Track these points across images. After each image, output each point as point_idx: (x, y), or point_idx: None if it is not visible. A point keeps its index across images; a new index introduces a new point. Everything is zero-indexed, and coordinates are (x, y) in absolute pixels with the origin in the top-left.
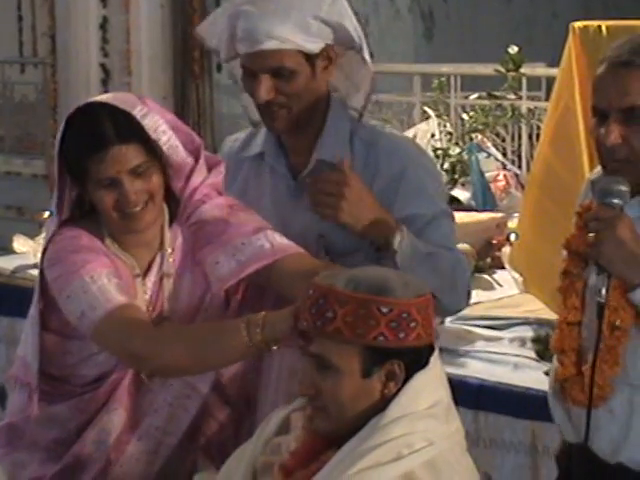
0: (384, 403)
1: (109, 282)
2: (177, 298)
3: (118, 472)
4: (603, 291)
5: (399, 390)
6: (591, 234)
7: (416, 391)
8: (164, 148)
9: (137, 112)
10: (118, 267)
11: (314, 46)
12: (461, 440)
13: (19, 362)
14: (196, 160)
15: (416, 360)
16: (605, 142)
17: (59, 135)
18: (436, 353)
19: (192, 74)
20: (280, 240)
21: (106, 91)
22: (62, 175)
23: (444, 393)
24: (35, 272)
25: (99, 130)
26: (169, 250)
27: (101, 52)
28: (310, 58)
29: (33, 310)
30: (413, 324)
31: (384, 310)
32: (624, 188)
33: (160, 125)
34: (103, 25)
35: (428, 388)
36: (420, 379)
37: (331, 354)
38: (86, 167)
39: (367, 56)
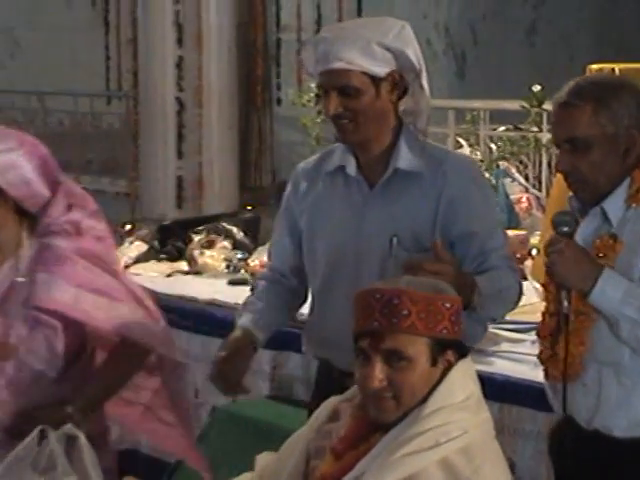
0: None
1: None
2: None
3: None
4: (565, 304)
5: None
6: (547, 260)
7: (451, 386)
8: (2, 183)
9: None
10: None
11: (379, 70)
12: (490, 429)
13: None
14: (53, 194)
15: (462, 351)
16: (559, 169)
17: None
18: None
19: (255, 106)
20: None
21: (180, 121)
22: None
23: (475, 388)
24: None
25: None
26: (22, 253)
27: (177, 87)
28: (375, 80)
29: None
30: (461, 319)
31: (447, 305)
32: (568, 218)
33: (13, 163)
34: (179, 64)
35: (462, 383)
36: (455, 376)
37: (406, 347)
38: None
39: (424, 82)
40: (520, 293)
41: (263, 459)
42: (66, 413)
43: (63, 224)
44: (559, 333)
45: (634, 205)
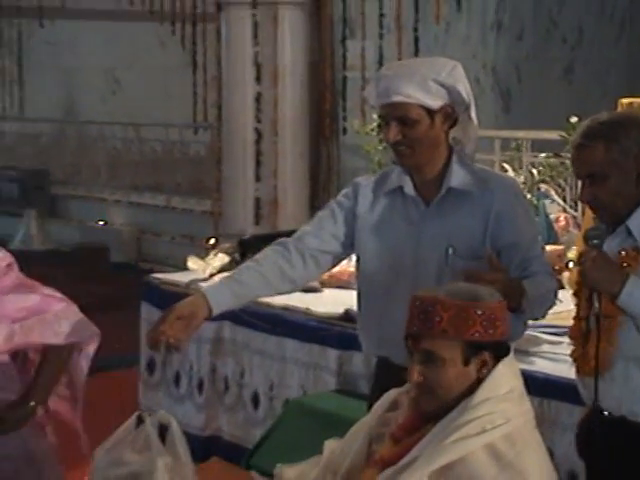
0: (475, 385)
1: None
2: None
3: None
4: (596, 304)
5: (484, 378)
6: (580, 267)
7: (496, 380)
8: None
9: None
10: None
11: (434, 103)
12: (531, 419)
13: None
14: None
15: (500, 351)
16: (582, 200)
17: None
18: (512, 352)
19: (324, 136)
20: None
21: (258, 149)
22: None
23: (518, 382)
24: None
25: None
26: None
27: (255, 119)
28: (430, 112)
29: None
30: (498, 322)
31: (479, 312)
32: (598, 232)
33: None
34: (257, 98)
35: (506, 378)
36: (500, 371)
37: (439, 349)
38: None
39: (473, 114)
40: (557, 293)
41: (330, 444)
42: (30, 408)
43: None
44: (588, 334)
45: None
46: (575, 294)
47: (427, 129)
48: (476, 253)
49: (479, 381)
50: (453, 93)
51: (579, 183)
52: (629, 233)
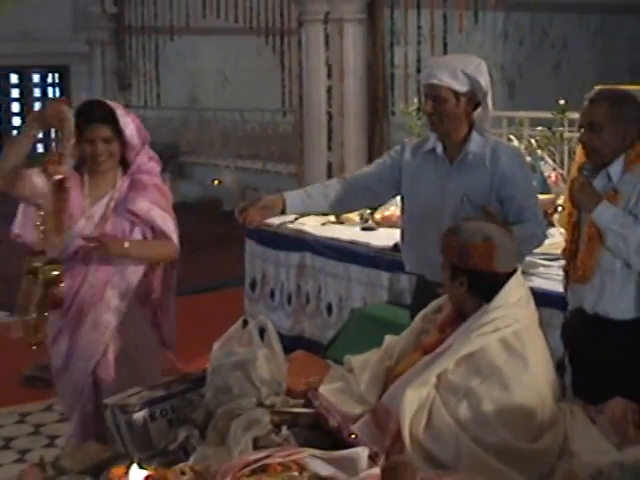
0: (471, 298)
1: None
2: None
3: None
4: (581, 217)
5: (495, 293)
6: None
7: (508, 291)
8: (126, 132)
9: (118, 111)
10: (75, 193)
11: (460, 88)
12: (535, 320)
13: None
14: (142, 145)
15: (477, 279)
16: (580, 140)
17: (75, 115)
18: (519, 271)
19: (377, 117)
20: (154, 213)
21: (330, 127)
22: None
23: (525, 292)
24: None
25: (92, 113)
26: (117, 187)
27: (327, 105)
28: (457, 94)
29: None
30: (470, 255)
31: (454, 244)
32: (589, 167)
33: (127, 122)
34: (329, 90)
35: (515, 289)
36: (510, 285)
37: (443, 264)
38: (81, 130)
39: (489, 101)
40: (543, 237)
41: (389, 338)
42: (125, 247)
43: (147, 168)
44: (576, 252)
45: (629, 170)
46: (568, 216)
47: (453, 107)
48: (483, 202)
49: (470, 294)
50: (475, 82)
51: (566, 150)
52: (609, 178)
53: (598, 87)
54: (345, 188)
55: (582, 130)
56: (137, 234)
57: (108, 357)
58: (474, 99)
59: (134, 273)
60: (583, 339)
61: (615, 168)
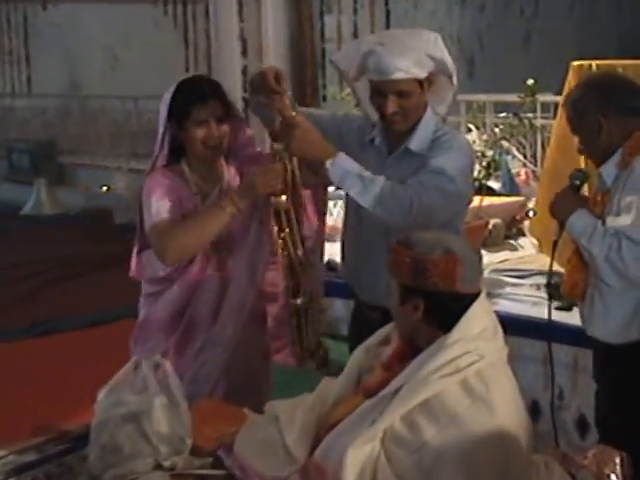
0: (426, 327)
1: (165, 205)
2: None
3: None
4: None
5: (457, 320)
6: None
7: (469, 320)
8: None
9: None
10: (181, 192)
11: (423, 74)
12: (503, 355)
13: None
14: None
15: (436, 302)
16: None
17: (169, 94)
18: (483, 294)
19: (305, 103)
20: None
21: (246, 116)
22: (167, 122)
23: (490, 321)
24: None
25: (201, 88)
26: (226, 180)
27: (242, 89)
28: (420, 82)
29: (135, 242)
30: (429, 274)
31: (407, 259)
32: (580, 174)
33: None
34: (244, 70)
35: (479, 318)
36: (473, 311)
37: (391, 285)
38: (189, 111)
39: (455, 80)
40: (411, 207)
41: (325, 380)
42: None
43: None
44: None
45: (622, 170)
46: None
47: (418, 98)
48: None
49: (423, 324)
50: (440, 64)
51: (538, 140)
52: (602, 179)
53: (575, 62)
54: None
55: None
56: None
57: None
58: (433, 81)
59: None
60: (594, 366)
61: (608, 169)
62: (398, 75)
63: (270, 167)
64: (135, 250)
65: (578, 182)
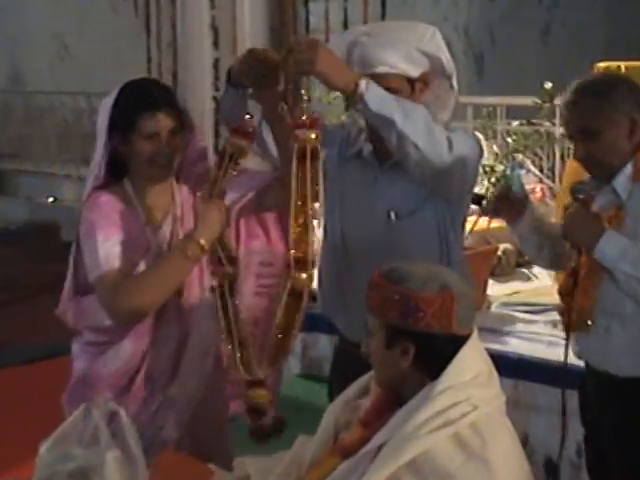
0: (414, 374)
1: (114, 247)
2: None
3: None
4: (575, 257)
5: (447, 364)
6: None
7: (461, 365)
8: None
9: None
10: (130, 223)
11: (415, 72)
12: (501, 404)
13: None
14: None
15: (428, 346)
16: (576, 158)
17: (111, 100)
18: (475, 334)
19: (286, 103)
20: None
21: (217, 119)
22: (107, 133)
23: (484, 365)
24: None
25: (151, 94)
26: (178, 204)
27: (213, 86)
28: (411, 81)
29: (67, 282)
30: (421, 314)
31: (396, 297)
32: (585, 187)
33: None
34: (215, 64)
35: (471, 362)
36: (464, 355)
37: (371, 325)
38: (135, 121)
39: (454, 83)
40: (435, 124)
41: (301, 438)
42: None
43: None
44: (574, 289)
45: (636, 181)
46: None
47: (407, 98)
48: (412, 222)
49: (412, 370)
50: (435, 62)
51: (557, 152)
52: (615, 192)
53: (572, 84)
54: None
55: (574, 143)
56: None
57: None
58: (430, 82)
59: None
60: (597, 407)
61: (621, 180)
62: (382, 69)
63: (206, 214)
64: (67, 292)
65: (584, 196)
